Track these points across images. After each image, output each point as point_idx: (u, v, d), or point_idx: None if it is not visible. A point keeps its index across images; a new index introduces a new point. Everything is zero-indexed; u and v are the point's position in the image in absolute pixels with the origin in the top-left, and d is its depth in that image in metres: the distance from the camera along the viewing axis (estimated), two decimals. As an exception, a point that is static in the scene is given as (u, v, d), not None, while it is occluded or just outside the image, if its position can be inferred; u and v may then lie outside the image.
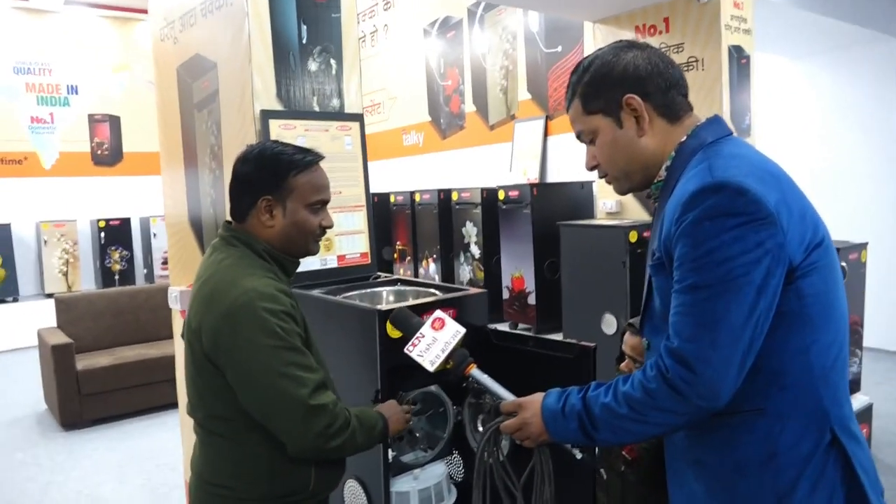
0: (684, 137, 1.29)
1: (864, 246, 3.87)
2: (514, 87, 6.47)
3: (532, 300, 4.98)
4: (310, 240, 1.60)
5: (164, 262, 8.91)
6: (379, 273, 2.65)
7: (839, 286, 1.22)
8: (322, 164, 1.63)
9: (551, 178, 5.97)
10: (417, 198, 6.15)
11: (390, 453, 1.85)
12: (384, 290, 2.34)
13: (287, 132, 2.50)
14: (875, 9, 5.69)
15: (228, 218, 1.63)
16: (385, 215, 6.48)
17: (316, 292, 2.18)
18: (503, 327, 1.95)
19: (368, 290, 2.33)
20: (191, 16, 2.89)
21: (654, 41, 4.38)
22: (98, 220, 8.93)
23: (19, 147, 8.78)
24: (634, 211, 4.77)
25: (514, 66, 6.43)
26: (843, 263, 3.61)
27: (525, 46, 6.29)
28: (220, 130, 2.78)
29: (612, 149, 1.32)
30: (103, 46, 9.37)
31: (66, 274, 8.73)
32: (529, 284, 4.97)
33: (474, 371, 1.55)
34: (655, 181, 1.33)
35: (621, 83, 1.29)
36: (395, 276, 2.58)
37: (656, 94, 1.28)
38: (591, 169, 1.40)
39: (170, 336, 5.26)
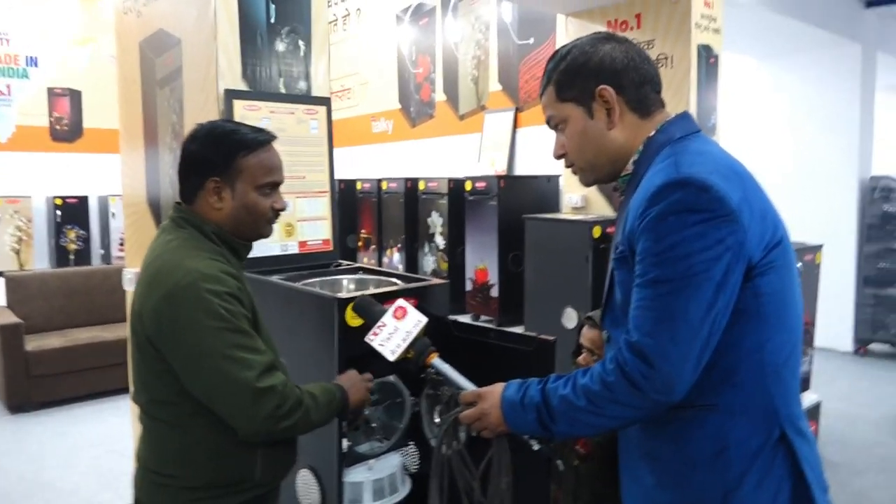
0: (653, 132, 1.29)
1: (819, 248, 3.95)
2: (485, 78, 6.45)
3: (495, 293, 4.99)
4: (261, 222, 1.55)
5: (122, 243, 8.70)
6: (340, 261, 2.62)
7: (795, 286, 1.23)
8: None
9: (519, 170, 5.98)
10: (384, 186, 6.11)
11: (345, 443, 1.83)
12: (345, 278, 2.31)
13: (251, 113, 2.44)
14: (838, 13, 5.82)
15: (174, 198, 1.57)
16: (351, 202, 6.42)
17: (275, 278, 2.14)
18: (465, 319, 1.94)
19: (329, 278, 2.29)
20: (154, -11, 2.81)
21: (624, 36, 4.39)
22: (54, 198, 8.67)
23: (-28, 119, 8.47)
24: (599, 206, 4.80)
25: (486, 56, 6.41)
26: (799, 264, 3.68)
27: (498, 37, 6.28)
28: (182, 109, 2.70)
29: (581, 138, 1.32)
30: (66, 18, 9.08)
31: (18, 252, 8.47)
32: (493, 277, 4.98)
33: (435, 360, 1.53)
34: (622, 174, 1.32)
35: (596, 74, 1.28)
36: (357, 265, 2.55)
37: (630, 88, 1.28)
38: (558, 157, 1.39)
39: (125, 319, 5.14)
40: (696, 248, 1.10)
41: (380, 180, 6.17)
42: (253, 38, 2.52)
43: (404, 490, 1.97)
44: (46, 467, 3.87)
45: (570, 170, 1.39)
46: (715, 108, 4.40)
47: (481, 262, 5.08)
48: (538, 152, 5.78)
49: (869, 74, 6.30)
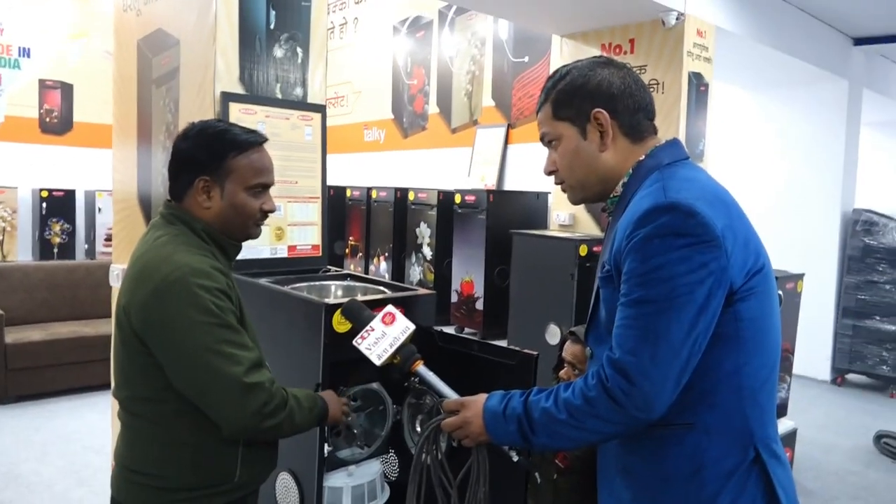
0: (643, 157, 1.32)
1: (800, 276, 4.02)
2: (478, 93, 6.51)
3: (480, 305, 5.02)
4: (249, 224, 1.55)
5: (107, 239, 8.64)
6: (329, 266, 2.63)
7: (775, 312, 1.27)
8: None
9: (509, 185, 6.03)
10: (374, 194, 6.14)
11: (326, 448, 1.84)
12: (333, 283, 2.33)
13: (247, 117, 2.46)
14: (827, 50, 5.94)
15: (165, 196, 1.57)
16: (340, 209, 6.44)
17: (263, 281, 2.15)
18: (450, 331, 1.95)
19: (317, 283, 2.31)
20: (156, -11, 2.83)
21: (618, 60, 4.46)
22: (41, 190, 8.59)
23: (-38, 107, 8.40)
24: (587, 225, 4.85)
25: (481, 71, 6.48)
26: (780, 292, 3.74)
27: (493, 53, 6.34)
28: (177, 109, 2.71)
29: (572, 158, 1.35)
30: (61, 11, 9.05)
31: (1, 243, 8.39)
32: (479, 290, 5.01)
33: (420, 368, 1.55)
34: (611, 196, 1.36)
35: (592, 97, 1.32)
36: (345, 272, 2.57)
37: (624, 114, 1.32)
38: (548, 174, 1.42)
39: (107, 315, 5.10)
40: (679, 270, 1.14)
41: (370, 189, 6.20)
42: (252, 42, 2.54)
43: (383, 497, 1.98)
44: (21, 460, 3.83)
45: (559, 187, 1.42)
46: (704, 135, 4.47)
47: (467, 274, 5.11)
48: (528, 169, 5.83)
49: (855, 110, 6.43)
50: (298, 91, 2.67)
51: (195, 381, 1.37)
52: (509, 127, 6.14)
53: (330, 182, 2.77)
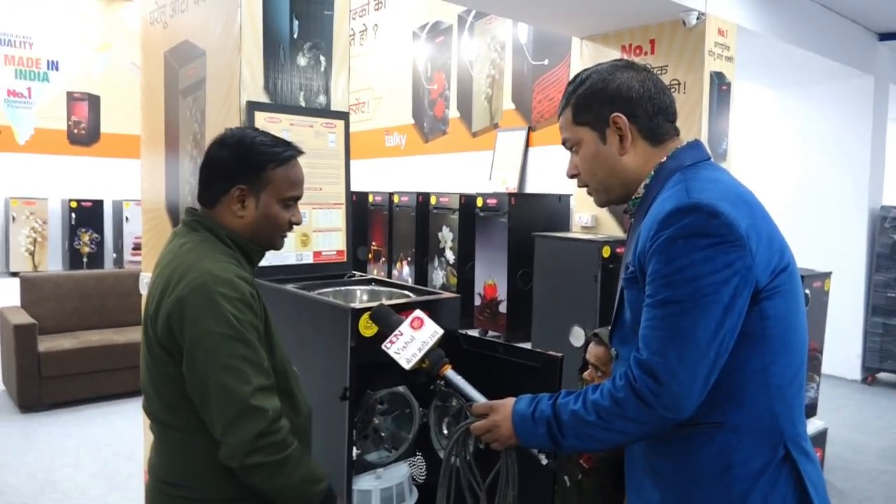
0: (664, 158, 1.33)
1: (828, 275, 3.97)
2: (498, 96, 6.52)
3: (503, 308, 5.02)
4: (277, 235, 1.56)
5: (135, 248, 8.79)
6: (354, 272, 2.66)
7: (801, 310, 1.27)
8: (304, 159, 1.58)
9: (530, 188, 6.03)
10: (396, 199, 6.17)
11: (354, 451, 1.86)
12: (358, 288, 2.35)
13: (272, 125, 2.50)
14: (852, 46, 5.86)
15: (191, 204, 1.57)
16: (362, 215, 6.48)
17: (290, 287, 2.18)
18: (473, 334, 1.97)
19: (343, 288, 2.33)
20: (182, 2, 2.88)
21: (638, 62, 4.45)
22: (70, 201, 8.77)
23: (-7, 120, 8.60)
24: (609, 226, 4.84)
25: (501, 75, 6.49)
26: (807, 291, 3.70)
27: (512, 57, 6.35)
28: (204, 118, 2.77)
29: (592, 162, 1.37)
30: (87, 24, 9.23)
31: (32, 253, 8.57)
32: (501, 293, 5.01)
33: (449, 372, 1.56)
34: (633, 198, 1.36)
35: (611, 101, 1.33)
36: (370, 276, 2.59)
37: (643, 117, 1.33)
38: (571, 177, 1.44)
39: (136, 323, 5.19)
40: (705, 271, 1.14)
41: (391, 194, 6.23)
42: (276, 51, 2.58)
43: (411, 499, 1.99)
44: (55, 467, 3.91)
45: (581, 189, 1.44)
46: (726, 135, 4.44)
47: (490, 277, 5.11)
48: (550, 171, 5.83)
49: (881, 106, 6.33)
50: (322, 99, 2.71)
51: (201, 393, 1.35)
52: (530, 130, 6.14)
53: (352, 188, 2.80)
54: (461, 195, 5.48)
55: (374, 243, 6.48)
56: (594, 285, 4.11)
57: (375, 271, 6.30)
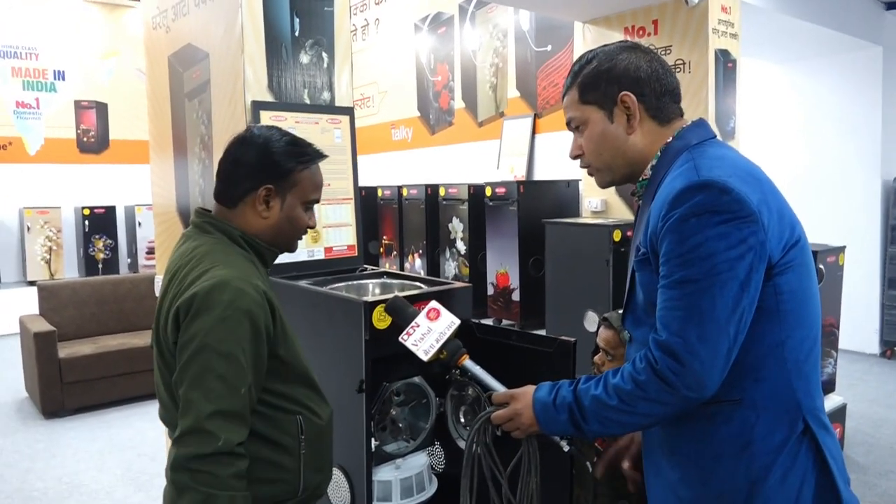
0: (670, 138, 1.33)
1: (841, 249, 3.94)
2: (503, 85, 6.50)
3: (516, 297, 5.03)
4: (296, 237, 1.54)
5: (149, 252, 8.87)
6: (365, 266, 2.68)
7: (813, 284, 1.27)
8: None
9: (538, 175, 6.02)
10: (405, 192, 6.18)
11: (373, 443, 1.88)
12: (370, 282, 2.37)
13: (277, 124, 2.51)
14: (858, 17, 5.79)
15: (202, 205, 1.53)
16: (372, 209, 6.50)
17: (303, 283, 2.20)
18: (487, 323, 1.98)
19: (355, 282, 2.35)
20: (184, 5, 2.90)
21: (642, 43, 4.42)
22: (83, 208, 8.86)
23: (4, 132, 8.68)
24: (619, 210, 4.83)
25: (504, 63, 6.47)
26: (821, 266, 3.68)
27: (515, 44, 6.33)
28: (210, 121, 2.79)
29: (599, 141, 1.36)
30: (91, 32, 9.29)
31: (48, 261, 8.67)
32: (514, 281, 5.02)
33: (467, 362, 1.56)
34: (640, 179, 1.36)
35: (619, 80, 1.33)
36: (381, 270, 2.61)
37: (651, 97, 1.33)
38: (574, 157, 1.44)
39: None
40: (719, 247, 1.14)
41: (400, 187, 6.25)
42: (278, 50, 2.59)
43: (431, 489, 2.01)
44: (81, 470, 3.97)
45: (587, 172, 1.44)
46: (734, 112, 4.41)
47: (502, 266, 5.12)
48: (557, 157, 5.82)
49: (891, 76, 6.25)
50: (326, 95, 2.72)
51: (175, 392, 1.33)
52: (536, 117, 6.13)
53: (361, 183, 2.81)
54: (470, 185, 5.49)
55: (384, 237, 6.50)
56: (606, 269, 4.11)
57: (387, 265, 6.32)
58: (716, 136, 1.35)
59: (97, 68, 9.34)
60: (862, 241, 6.05)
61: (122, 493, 3.66)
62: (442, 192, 5.73)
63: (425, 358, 1.55)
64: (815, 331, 1.26)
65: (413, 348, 1.56)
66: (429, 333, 1.56)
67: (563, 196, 5.31)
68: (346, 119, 2.74)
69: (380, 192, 6.52)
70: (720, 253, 1.14)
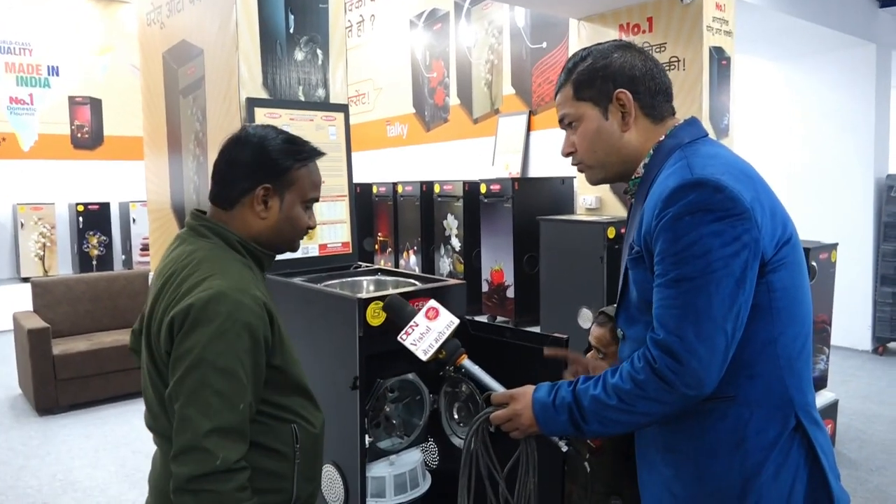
0: (663, 137, 1.34)
1: (834, 246, 3.96)
2: (498, 82, 6.51)
3: (511, 293, 5.04)
4: (297, 237, 1.49)
5: (143, 248, 8.85)
6: (360, 263, 2.68)
7: (805, 281, 1.28)
8: None
9: (533, 172, 6.03)
10: (400, 189, 6.18)
11: (367, 439, 1.89)
12: (364, 279, 2.38)
13: (272, 121, 2.52)
14: (852, 14, 5.81)
15: (197, 203, 1.51)
16: (367, 206, 6.50)
17: (297, 280, 2.21)
18: (482, 320, 1.99)
19: (349, 279, 2.35)
20: (178, 1, 2.89)
21: (637, 40, 4.44)
22: (77, 205, 8.84)
23: (-3, 128, 8.66)
24: (614, 207, 4.84)
25: (500, 60, 6.47)
26: (813, 263, 3.70)
27: (510, 41, 6.33)
28: (205, 117, 2.78)
29: (594, 138, 1.36)
30: (86, 28, 9.25)
31: (42, 258, 8.64)
32: (508, 278, 5.03)
33: (466, 361, 1.55)
34: (633, 177, 1.37)
35: (615, 78, 1.33)
36: (376, 267, 2.61)
37: (645, 95, 1.33)
38: (566, 155, 1.43)
39: (148, 322, 5.23)
40: (714, 245, 1.15)
41: (395, 184, 6.25)
42: (273, 47, 2.59)
43: (425, 485, 2.02)
44: (75, 467, 3.97)
45: (578, 169, 1.44)
46: (728, 110, 4.42)
47: (497, 263, 5.13)
48: (552, 155, 5.83)
49: (884, 74, 6.28)
50: (321, 92, 2.72)
51: (169, 403, 1.29)
52: (531, 114, 6.13)
53: (356, 180, 2.82)
54: (465, 182, 5.49)
55: (380, 234, 6.50)
56: (600, 266, 4.12)
57: (382, 262, 6.32)
58: (707, 135, 1.36)
59: (92, 64, 9.31)
60: (855, 238, 6.08)
61: (117, 490, 3.66)
62: (437, 188, 5.73)
63: (424, 358, 1.53)
64: (807, 328, 1.27)
65: (412, 348, 1.54)
66: (428, 333, 1.55)
67: (557, 193, 5.32)
68: (340, 116, 2.74)
69: (375, 189, 6.52)
70: (715, 250, 1.14)
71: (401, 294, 1.83)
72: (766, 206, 1.20)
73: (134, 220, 8.93)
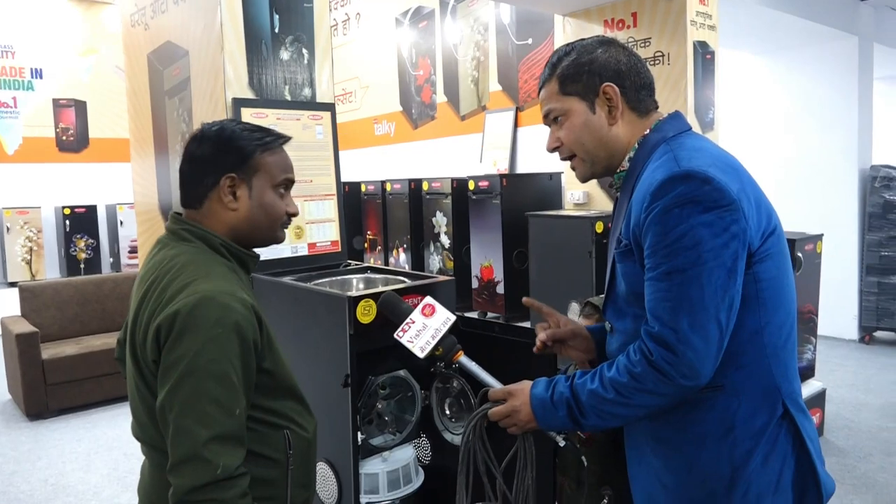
0: (647, 131, 1.35)
1: (819, 237, 4.00)
2: (485, 79, 6.52)
3: (501, 289, 5.06)
4: (276, 225, 1.44)
5: (131, 251, 8.80)
6: (349, 261, 2.69)
7: (789, 271, 1.30)
8: (293, 152, 1.51)
9: (521, 168, 6.05)
10: (388, 187, 6.18)
11: (360, 436, 1.90)
12: (354, 277, 2.38)
13: (258, 120, 2.52)
14: (834, 7, 5.86)
15: (177, 209, 1.44)
16: (356, 205, 6.50)
17: (287, 279, 2.21)
18: (472, 316, 1.99)
19: (339, 278, 2.36)
20: (162, 2, 2.88)
21: (621, 35, 4.46)
22: (63, 208, 8.77)
23: (-20, 132, 8.58)
24: (602, 202, 4.86)
25: (486, 57, 6.48)
26: (800, 254, 3.74)
27: (496, 38, 6.34)
28: (191, 118, 2.78)
29: (582, 131, 1.37)
30: (69, 29, 9.18)
31: (29, 262, 8.58)
32: (498, 274, 5.04)
33: (462, 358, 1.55)
34: (618, 171, 1.38)
35: (601, 72, 1.34)
36: (365, 265, 2.62)
37: (630, 90, 1.35)
38: (552, 150, 1.44)
39: (138, 324, 5.20)
40: (704, 236, 1.16)
41: (384, 182, 6.25)
42: (258, 47, 2.59)
43: (418, 481, 2.03)
44: (67, 471, 3.96)
45: (570, 165, 1.45)
46: (713, 104, 4.45)
47: (486, 259, 5.14)
48: (539, 150, 5.84)
49: (866, 66, 6.34)
50: (307, 91, 2.72)
51: (162, 414, 1.24)
52: (518, 110, 6.15)
53: (344, 178, 2.82)
54: (453, 179, 5.50)
55: (369, 232, 6.50)
56: (589, 261, 4.15)
57: (372, 260, 6.32)
58: (691, 128, 1.38)
59: (76, 66, 9.23)
60: (840, 229, 6.14)
61: (110, 493, 3.65)
62: (425, 186, 5.73)
63: (422, 355, 1.53)
64: (792, 317, 1.30)
65: (409, 345, 1.53)
66: (424, 330, 1.54)
67: (545, 189, 5.34)
68: (327, 115, 2.75)
69: (363, 188, 6.51)
70: (705, 241, 1.16)
71: (396, 291, 1.84)
72: (752, 197, 1.22)
73: (121, 223, 8.87)
